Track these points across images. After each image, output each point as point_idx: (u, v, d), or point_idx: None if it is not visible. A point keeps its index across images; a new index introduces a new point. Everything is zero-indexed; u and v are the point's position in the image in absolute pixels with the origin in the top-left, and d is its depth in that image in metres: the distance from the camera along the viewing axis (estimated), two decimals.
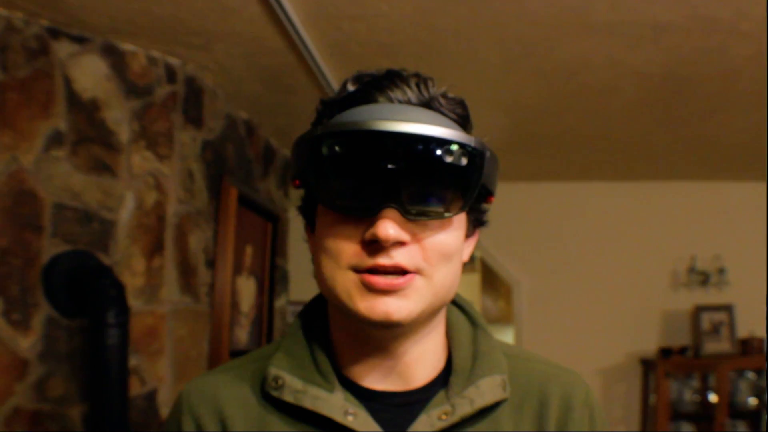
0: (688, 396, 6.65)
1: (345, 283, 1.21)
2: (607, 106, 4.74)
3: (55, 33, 3.46)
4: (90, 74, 3.56)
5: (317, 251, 1.29)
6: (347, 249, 1.21)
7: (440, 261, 1.24)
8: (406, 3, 3.35)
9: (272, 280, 5.13)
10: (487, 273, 9.04)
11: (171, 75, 3.81)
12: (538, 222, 6.96)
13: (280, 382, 1.27)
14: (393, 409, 1.28)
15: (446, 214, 1.23)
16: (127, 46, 3.68)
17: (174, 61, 3.83)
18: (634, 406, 6.83)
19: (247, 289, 4.66)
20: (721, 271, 6.88)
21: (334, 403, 1.25)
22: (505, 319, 8.80)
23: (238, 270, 4.46)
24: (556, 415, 1.33)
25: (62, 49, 3.48)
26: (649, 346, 6.88)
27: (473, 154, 1.23)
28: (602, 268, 6.94)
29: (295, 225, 5.79)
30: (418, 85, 1.28)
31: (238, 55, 3.88)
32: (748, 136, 5.44)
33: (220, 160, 4.30)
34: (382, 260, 1.19)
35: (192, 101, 3.95)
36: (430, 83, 1.30)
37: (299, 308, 4.88)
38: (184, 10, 3.38)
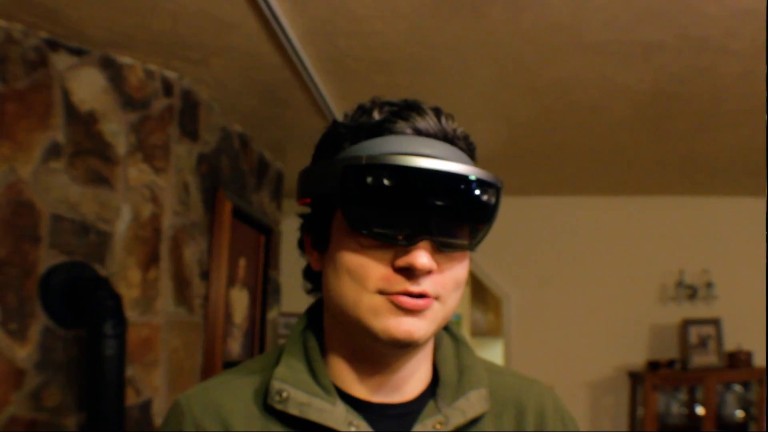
0: (676, 409, 6.71)
1: (372, 305, 1.26)
2: (598, 122, 4.80)
3: (53, 45, 3.49)
4: (88, 86, 3.59)
5: (335, 272, 1.31)
6: (376, 273, 1.26)
7: (454, 289, 1.32)
8: (401, 20, 3.39)
9: (265, 292, 5.16)
10: (476, 286, 9.07)
11: (168, 88, 3.84)
12: (528, 236, 7.01)
13: (284, 395, 1.30)
14: (388, 420, 1.34)
15: (468, 247, 1.32)
16: (124, 59, 3.70)
17: (171, 75, 3.86)
18: (622, 418, 6.88)
19: (240, 301, 4.69)
20: (709, 285, 6.96)
21: (338, 415, 1.29)
22: (494, 332, 8.82)
23: (231, 282, 4.49)
24: (533, 421, 1.43)
25: (61, 61, 3.51)
26: (637, 359, 6.94)
27: (497, 192, 1.33)
28: (591, 282, 7.00)
29: (287, 238, 5.82)
30: (438, 119, 1.33)
31: (235, 69, 3.91)
32: (737, 153, 5.51)
33: (215, 172, 4.33)
34: (412, 287, 1.25)
35: (188, 114, 3.99)
36: (450, 117, 1.35)
37: (291, 320, 4.91)
38: (182, 25, 3.41)
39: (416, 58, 3.77)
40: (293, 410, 1.29)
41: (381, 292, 1.26)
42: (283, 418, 1.31)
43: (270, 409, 1.33)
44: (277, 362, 1.38)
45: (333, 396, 1.32)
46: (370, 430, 1.30)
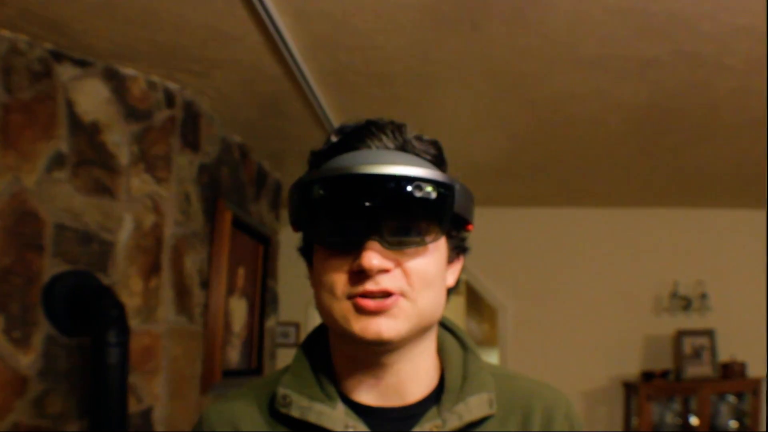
0: (670, 419, 6.74)
1: (341, 310, 1.33)
2: (594, 136, 4.84)
3: (58, 56, 3.53)
4: (91, 97, 3.64)
5: (316, 286, 1.40)
6: (339, 280, 1.33)
7: (422, 284, 1.35)
8: (401, 35, 3.44)
9: (263, 301, 5.20)
10: (471, 296, 9.10)
11: (170, 99, 3.89)
12: (524, 246, 7.05)
13: (288, 399, 1.38)
14: (388, 423, 1.39)
15: (423, 242, 1.35)
16: (127, 71, 3.75)
17: (173, 86, 3.91)
18: (616, 428, 6.93)
19: (239, 309, 4.73)
20: (703, 296, 7.01)
21: (336, 418, 1.36)
22: (489, 342, 8.85)
23: (230, 291, 4.53)
24: (539, 423, 1.45)
25: (65, 72, 3.55)
26: (632, 369, 6.98)
27: (442, 187, 1.35)
28: (586, 293, 7.04)
29: (286, 247, 5.85)
30: (393, 132, 1.41)
31: (236, 81, 3.96)
32: (730, 166, 5.56)
33: (216, 183, 4.38)
34: (370, 286, 1.31)
35: (189, 125, 4.04)
36: (403, 128, 1.43)
37: (289, 329, 4.96)
38: (185, 37, 3.46)
39: (415, 71, 3.83)
40: (295, 413, 1.37)
41: (349, 297, 1.33)
42: (290, 423, 1.39)
43: (277, 415, 1.41)
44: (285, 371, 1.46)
45: (335, 401, 1.39)
46: (367, 430, 1.36)
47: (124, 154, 3.68)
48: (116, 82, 3.71)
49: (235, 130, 4.71)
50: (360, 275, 1.32)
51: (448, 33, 3.42)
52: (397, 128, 1.42)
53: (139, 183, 3.71)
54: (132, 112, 3.75)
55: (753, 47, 3.50)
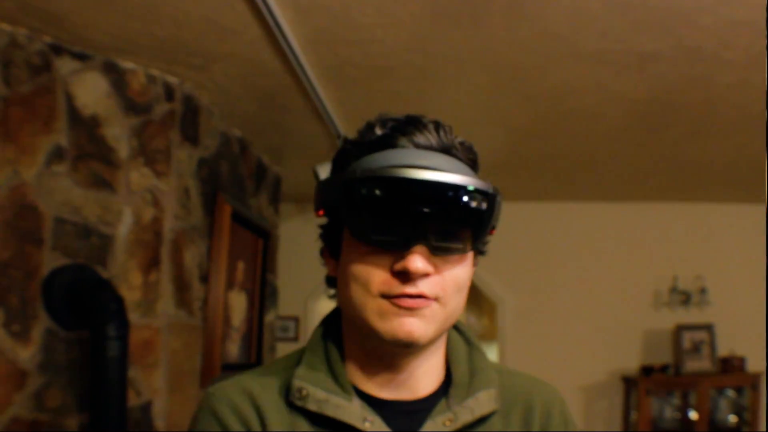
0: (669, 413, 6.77)
1: (374, 308, 1.35)
2: (594, 130, 4.86)
3: (57, 50, 3.55)
4: (91, 91, 3.65)
5: (344, 278, 1.41)
6: (377, 277, 1.35)
7: (455, 291, 1.39)
8: (400, 29, 3.45)
9: (262, 295, 5.22)
10: (471, 291, 9.08)
11: (169, 93, 3.91)
12: (523, 241, 7.06)
13: (304, 392, 1.39)
14: (401, 416, 1.41)
15: (465, 249, 1.40)
16: (127, 64, 3.77)
17: (172, 80, 3.92)
18: (615, 423, 6.94)
19: (238, 303, 4.74)
20: (703, 291, 7.03)
21: (353, 411, 1.37)
22: (489, 336, 8.88)
23: (230, 285, 4.55)
24: (539, 419, 1.51)
25: (64, 65, 3.57)
26: (631, 364, 7.00)
27: (490, 198, 1.40)
28: (585, 287, 7.06)
29: (285, 242, 5.87)
30: (438, 132, 1.42)
31: (236, 75, 3.98)
32: (730, 160, 5.59)
33: (215, 177, 4.39)
34: (409, 289, 1.33)
35: (189, 119, 4.05)
36: (448, 130, 1.44)
37: (288, 323, 4.96)
38: (185, 31, 3.47)
39: (415, 65, 3.85)
40: (312, 406, 1.38)
41: (383, 296, 1.34)
42: (307, 414, 1.40)
43: (294, 406, 1.41)
44: (298, 363, 1.46)
45: (350, 394, 1.40)
46: (384, 425, 1.38)
47: (123, 148, 3.70)
48: (115, 75, 3.73)
49: (235, 124, 4.73)
50: (401, 276, 1.34)
51: (447, 27, 3.43)
52: (443, 129, 1.43)
53: (138, 177, 3.73)
54: (131, 106, 3.76)
55: (752, 42, 3.52)
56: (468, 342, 1.58)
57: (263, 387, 1.44)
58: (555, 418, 1.52)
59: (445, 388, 1.48)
